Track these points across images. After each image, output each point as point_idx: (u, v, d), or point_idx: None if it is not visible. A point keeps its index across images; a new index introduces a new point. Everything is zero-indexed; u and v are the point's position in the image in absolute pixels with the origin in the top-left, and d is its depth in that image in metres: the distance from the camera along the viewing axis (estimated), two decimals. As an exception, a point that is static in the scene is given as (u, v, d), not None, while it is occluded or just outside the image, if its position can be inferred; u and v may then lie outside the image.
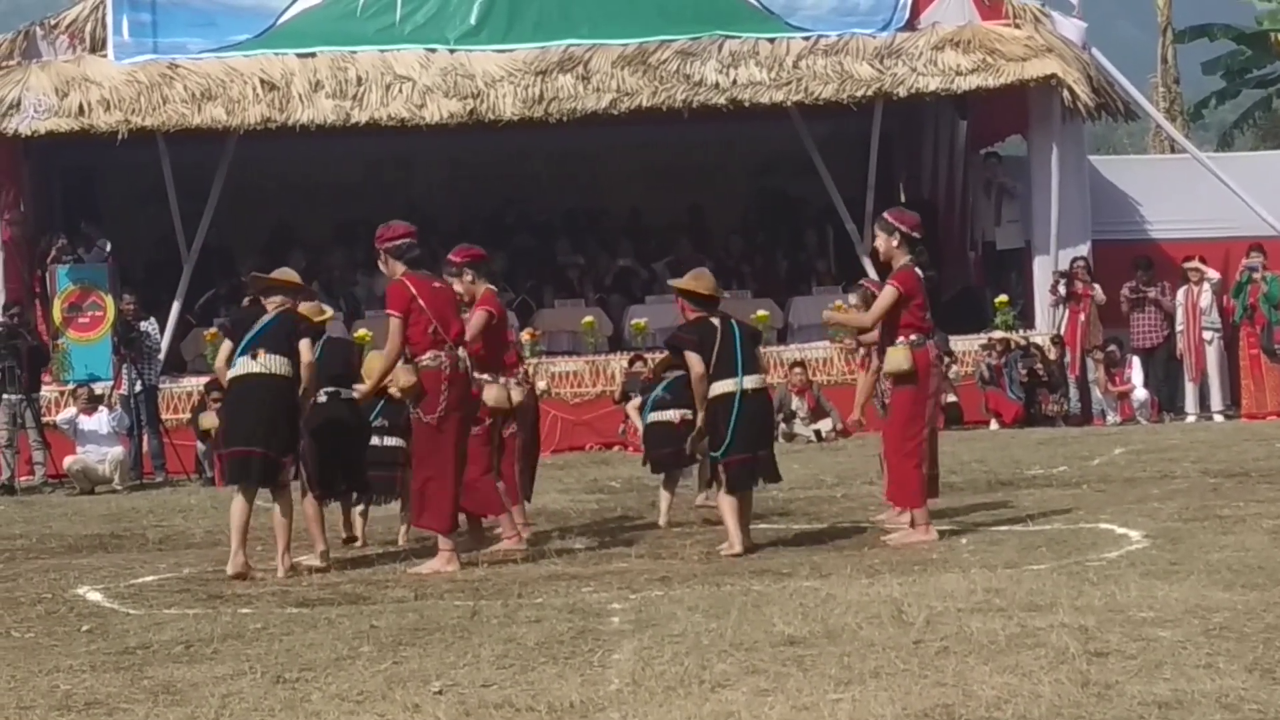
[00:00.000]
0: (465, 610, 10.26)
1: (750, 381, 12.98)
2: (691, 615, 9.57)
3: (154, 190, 26.17)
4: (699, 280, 13.49)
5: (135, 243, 28.15)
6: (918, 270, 13.35)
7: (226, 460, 13.09)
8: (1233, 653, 7.89)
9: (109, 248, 26.30)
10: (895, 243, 13.39)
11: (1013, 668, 7.74)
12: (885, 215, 13.68)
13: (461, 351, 12.75)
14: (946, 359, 24.19)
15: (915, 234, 13.45)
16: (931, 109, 29.03)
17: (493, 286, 14.07)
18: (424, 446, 12.74)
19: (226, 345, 13.07)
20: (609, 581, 11.46)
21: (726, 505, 13.05)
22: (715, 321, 13.14)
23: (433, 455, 12.65)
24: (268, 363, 12.73)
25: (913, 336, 13.14)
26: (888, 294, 13.24)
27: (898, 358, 13.10)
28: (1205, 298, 25.77)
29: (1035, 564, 11.20)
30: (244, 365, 12.78)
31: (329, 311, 13.96)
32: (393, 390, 12.89)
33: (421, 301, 12.65)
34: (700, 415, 13.10)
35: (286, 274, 13.45)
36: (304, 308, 13.51)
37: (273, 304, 13.06)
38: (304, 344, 12.85)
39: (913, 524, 13.17)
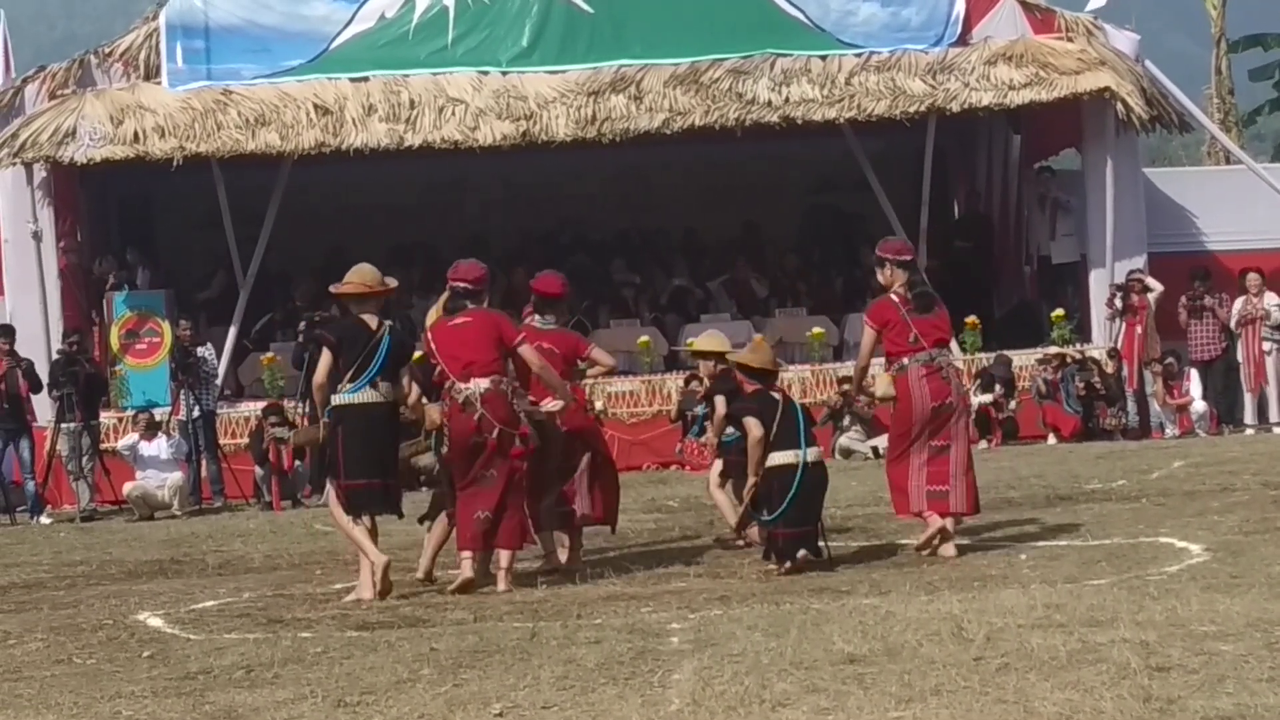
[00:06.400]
0: (524, 632, 10.27)
1: (812, 454, 13.02)
2: (751, 634, 9.56)
3: (209, 216, 26.29)
4: (756, 354, 13.64)
5: (191, 269, 28.31)
6: (893, 296, 13.55)
7: (349, 490, 12.68)
8: (1296, 667, 7.85)
9: (148, 276, 26.58)
10: (888, 272, 13.69)
11: (1074, 684, 7.71)
12: (876, 252, 14.02)
13: (461, 386, 12.72)
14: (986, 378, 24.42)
15: (905, 257, 13.82)
16: (985, 124, 28.95)
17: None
18: None
19: (327, 358, 12.73)
20: (668, 601, 11.45)
21: None
22: (776, 396, 13.26)
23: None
24: (385, 391, 12.71)
25: (894, 364, 13.45)
26: (866, 334, 13.70)
27: (882, 385, 13.58)
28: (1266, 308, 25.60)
29: (1095, 579, 11.16)
30: (368, 394, 12.65)
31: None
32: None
33: (434, 345, 12.92)
34: (752, 481, 12.98)
35: (364, 275, 12.98)
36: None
37: (370, 319, 12.77)
38: (408, 380, 12.95)
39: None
